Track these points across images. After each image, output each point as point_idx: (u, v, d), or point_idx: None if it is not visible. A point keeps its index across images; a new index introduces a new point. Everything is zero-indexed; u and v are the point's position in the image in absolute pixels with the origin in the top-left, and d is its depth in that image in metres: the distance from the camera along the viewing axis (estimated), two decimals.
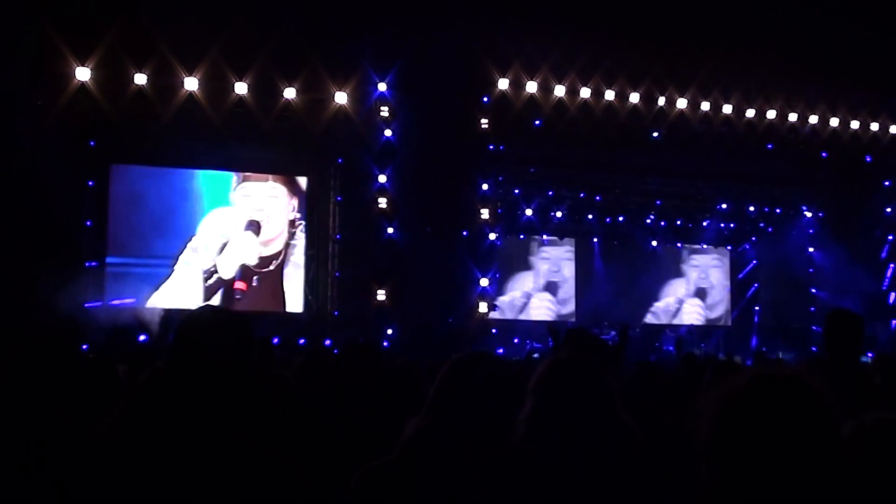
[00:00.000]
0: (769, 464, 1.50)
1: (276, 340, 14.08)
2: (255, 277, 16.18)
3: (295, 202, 16.66)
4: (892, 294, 20.00)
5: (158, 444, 2.13)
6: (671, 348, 18.89)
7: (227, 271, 15.98)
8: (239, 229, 16.17)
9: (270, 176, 16.54)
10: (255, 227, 16.22)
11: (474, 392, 2.54)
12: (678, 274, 21.94)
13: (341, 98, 15.73)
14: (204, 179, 16.26)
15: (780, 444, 1.51)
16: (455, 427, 2.48)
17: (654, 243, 21.33)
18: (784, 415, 1.53)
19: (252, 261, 16.17)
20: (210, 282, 15.92)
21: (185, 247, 15.90)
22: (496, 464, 2.40)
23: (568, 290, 20.95)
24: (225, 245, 16.03)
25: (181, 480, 2.09)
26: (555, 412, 2.50)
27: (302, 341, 15.02)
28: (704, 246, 21.88)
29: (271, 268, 16.34)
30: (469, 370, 2.62)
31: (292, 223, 16.60)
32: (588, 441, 2.41)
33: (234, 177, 16.31)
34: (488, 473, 2.38)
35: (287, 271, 16.51)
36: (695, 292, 21.95)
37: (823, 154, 19.04)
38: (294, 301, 16.57)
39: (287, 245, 16.53)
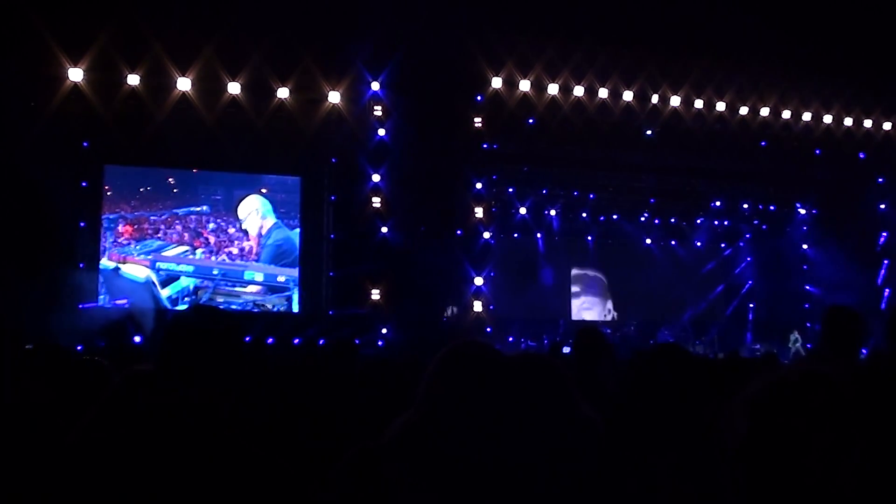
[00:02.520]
0: (801, 463, 1.49)
1: (270, 340, 14.13)
2: None
3: None
4: (887, 290, 20.04)
5: (145, 444, 2.12)
6: None
7: None
8: None
9: None
10: None
11: (466, 387, 2.43)
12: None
13: (335, 98, 15.74)
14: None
15: (812, 443, 1.50)
16: (443, 424, 2.41)
17: (648, 241, 21.34)
18: (817, 414, 1.52)
19: None
20: None
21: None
22: (480, 462, 2.36)
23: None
24: None
25: (170, 480, 2.09)
26: (511, 411, 2.44)
27: (297, 341, 15.03)
28: (699, 244, 21.87)
29: None
30: (461, 364, 2.50)
31: None
32: (548, 436, 2.39)
33: None
34: (470, 472, 2.33)
35: None
36: None
37: (817, 151, 19.07)
38: None
39: None
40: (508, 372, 2.55)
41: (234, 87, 15.01)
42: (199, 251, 16.16)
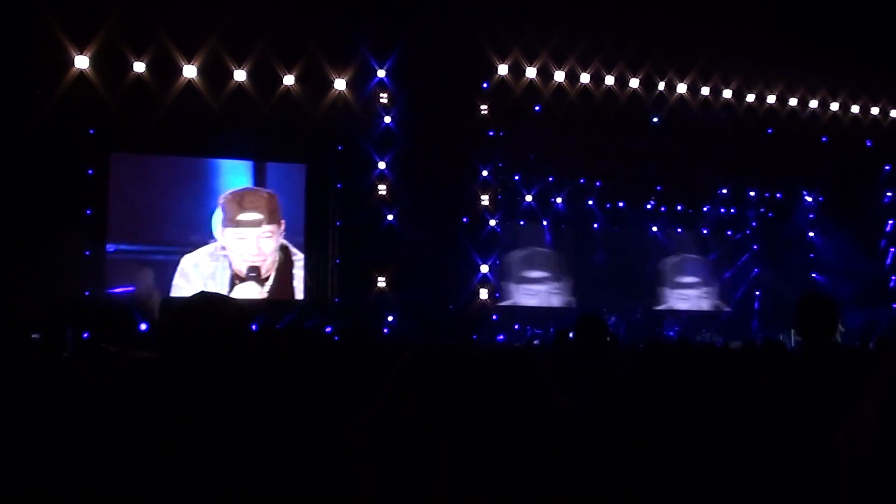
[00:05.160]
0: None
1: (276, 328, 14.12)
2: None
3: (282, 226, 16.39)
4: (893, 278, 20.00)
5: (148, 433, 2.13)
6: (672, 333, 18.88)
7: None
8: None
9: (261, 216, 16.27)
10: (256, 272, 16.04)
11: (428, 387, 2.47)
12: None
13: (340, 85, 15.73)
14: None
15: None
16: (406, 420, 2.43)
17: (655, 229, 21.28)
18: None
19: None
20: None
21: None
22: (446, 455, 2.37)
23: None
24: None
25: (173, 468, 2.09)
26: (486, 400, 2.47)
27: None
28: (705, 232, 21.80)
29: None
30: (424, 366, 2.54)
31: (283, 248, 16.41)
32: (523, 425, 2.43)
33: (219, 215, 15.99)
34: (436, 463, 2.35)
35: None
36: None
37: (824, 139, 19.01)
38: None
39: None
40: (471, 368, 2.57)
41: (239, 75, 15.01)
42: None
